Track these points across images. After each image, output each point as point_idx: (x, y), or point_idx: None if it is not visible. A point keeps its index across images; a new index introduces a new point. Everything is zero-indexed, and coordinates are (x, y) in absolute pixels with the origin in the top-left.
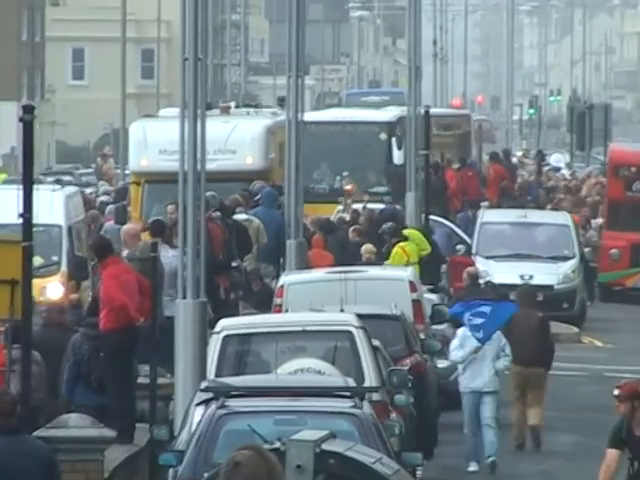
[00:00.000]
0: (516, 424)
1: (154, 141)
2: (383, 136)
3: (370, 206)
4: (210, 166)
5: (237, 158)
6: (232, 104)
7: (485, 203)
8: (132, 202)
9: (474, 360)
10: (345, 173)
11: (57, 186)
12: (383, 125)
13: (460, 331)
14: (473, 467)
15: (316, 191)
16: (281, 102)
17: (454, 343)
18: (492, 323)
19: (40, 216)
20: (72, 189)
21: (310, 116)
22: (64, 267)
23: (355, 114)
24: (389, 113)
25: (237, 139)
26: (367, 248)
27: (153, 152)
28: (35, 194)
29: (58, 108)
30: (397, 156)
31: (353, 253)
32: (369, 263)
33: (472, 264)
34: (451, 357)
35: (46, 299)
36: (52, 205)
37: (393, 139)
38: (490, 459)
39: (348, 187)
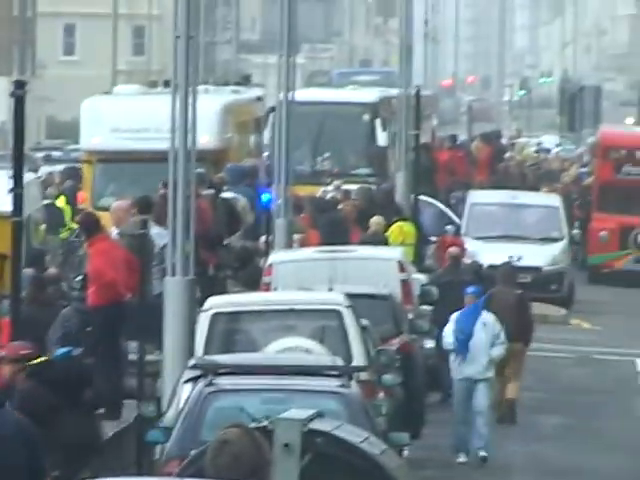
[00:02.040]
0: (495, 399)
1: (107, 119)
2: (366, 117)
3: (351, 187)
4: (162, 145)
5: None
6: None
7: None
8: (84, 182)
9: (469, 346)
10: (327, 154)
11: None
12: (366, 106)
13: (453, 317)
14: (462, 458)
15: (297, 172)
16: (246, 80)
17: (447, 328)
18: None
19: None
20: (29, 176)
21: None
22: None
23: (337, 95)
24: (372, 94)
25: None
26: (376, 219)
27: (106, 130)
28: None
29: (49, 83)
30: (381, 137)
31: (343, 232)
32: (376, 235)
33: (461, 244)
34: (444, 343)
35: None
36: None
37: (377, 120)
38: (481, 453)
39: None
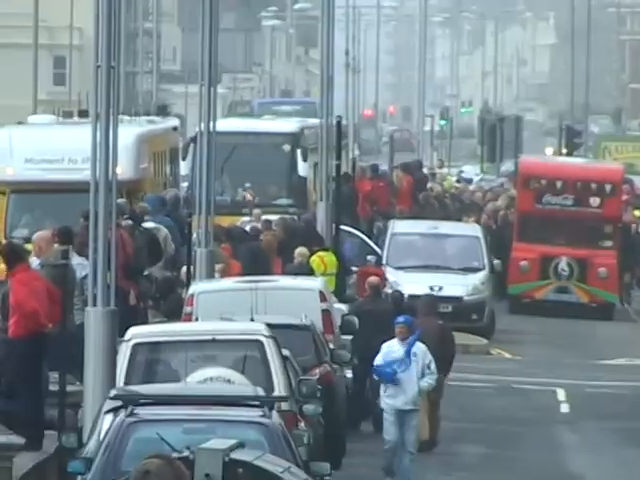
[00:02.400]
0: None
1: (21, 149)
2: (287, 147)
3: (271, 217)
4: (77, 176)
5: None
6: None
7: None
8: None
9: (398, 377)
10: (247, 184)
11: None
12: (286, 136)
13: (385, 346)
14: None
15: (217, 203)
16: (162, 110)
17: (378, 358)
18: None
19: None
20: None
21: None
22: None
23: (258, 124)
24: (292, 124)
25: None
26: (300, 251)
27: (19, 161)
28: None
29: None
30: (302, 168)
31: (265, 262)
32: (301, 266)
33: (382, 274)
34: (375, 372)
35: None
36: None
37: (298, 150)
38: None
39: (249, 196)
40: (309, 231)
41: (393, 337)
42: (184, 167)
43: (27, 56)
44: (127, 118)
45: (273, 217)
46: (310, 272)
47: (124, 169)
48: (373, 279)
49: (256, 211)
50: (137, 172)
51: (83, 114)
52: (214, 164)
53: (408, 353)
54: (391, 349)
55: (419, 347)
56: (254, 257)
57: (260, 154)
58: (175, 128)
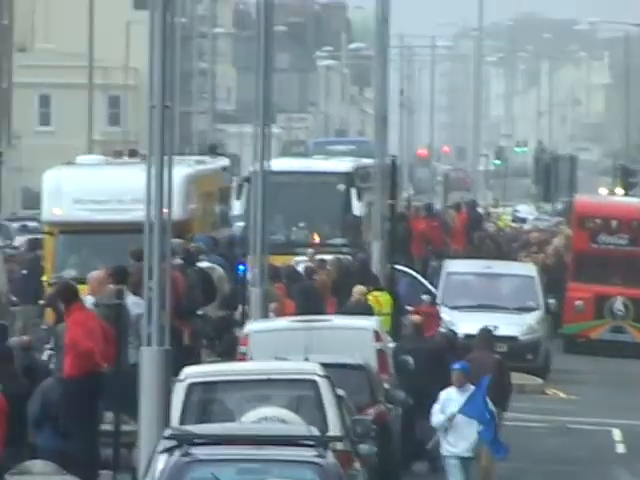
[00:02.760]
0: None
1: (69, 190)
2: (341, 187)
3: (325, 257)
4: (125, 216)
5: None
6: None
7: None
8: (46, 253)
9: (457, 423)
10: (301, 224)
11: None
12: (341, 175)
13: (443, 394)
14: None
15: (272, 242)
16: (212, 150)
17: (436, 407)
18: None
19: None
20: None
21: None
22: None
23: (313, 164)
24: (347, 163)
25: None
26: (359, 289)
27: (67, 201)
28: None
29: (24, 154)
30: (357, 207)
31: (318, 302)
32: (359, 304)
33: (437, 314)
34: (432, 421)
35: None
36: None
37: (352, 190)
38: None
39: (316, 238)
40: (364, 271)
41: (436, 376)
42: (238, 207)
43: (82, 96)
44: (176, 158)
45: (327, 257)
46: (369, 310)
47: (173, 209)
48: (415, 318)
49: (310, 250)
50: (185, 212)
51: (133, 154)
52: (268, 204)
53: (476, 401)
54: (449, 397)
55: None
56: (308, 296)
57: (314, 193)
58: (225, 168)
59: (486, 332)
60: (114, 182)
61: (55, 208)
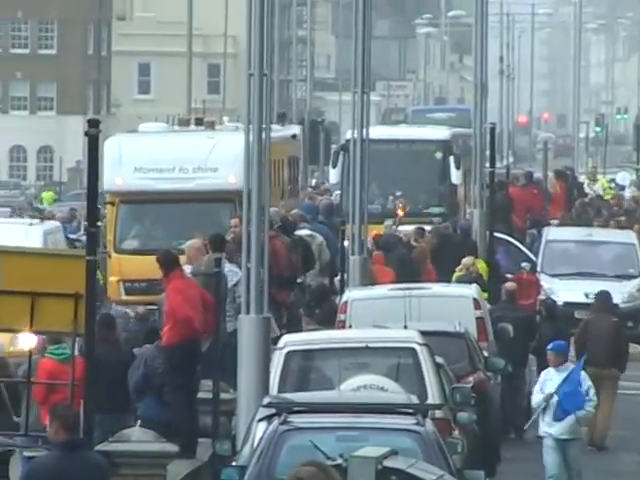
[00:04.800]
0: (589, 424)
1: (130, 158)
2: (438, 154)
3: (425, 226)
4: (188, 185)
5: (219, 177)
6: (225, 119)
7: (555, 221)
8: (107, 223)
9: (553, 404)
10: (398, 193)
11: (35, 220)
12: (438, 143)
13: (543, 374)
14: None
15: (369, 211)
16: (281, 117)
17: (536, 387)
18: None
19: None
20: (52, 224)
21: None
22: None
23: (410, 132)
24: (444, 131)
25: (219, 156)
26: (467, 260)
27: (128, 170)
28: (9, 229)
29: (124, 122)
30: (455, 175)
31: (414, 270)
32: (471, 274)
33: (537, 282)
34: (532, 401)
35: (18, 350)
36: (28, 241)
37: (451, 158)
38: None
39: (400, 212)
40: (465, 239)
41: (527, 345)
42: (334, 176)
43: (181, 65)
44: (242, 126)
45: (426, 227)
46: (480, 280)
47: (238, 178)
48: (509, 285)
49: (387, 222)
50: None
51: (199, 122)
52: (367, 172)
53: (572, 380)
54: (548, 377)
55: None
56: (403, 264)
57: (412, 162)
58: (294, 136)
59: (604, 295)
60: (177, 150)
61: (116, 177)
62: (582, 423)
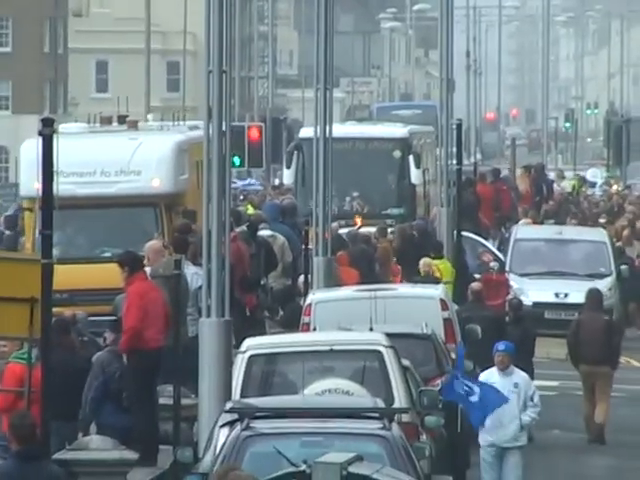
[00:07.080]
0: (586, 421)
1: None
2: (397, 153)
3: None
4: (109, 189)
5: (142, 180)
6: (150, 116)
7: (526, 220)
8: (25, 230)
9: (497, 410)
10: (355, 194)
11: None
12: (397, 141)
13: (483, 375)
14: None
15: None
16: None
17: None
18: (483, 407)
19: None
20: None
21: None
22: None
23: (366, 129)
24: (403, 129)
25: (142, 159)
26: (426, 261)
27: None
28: None
29: (81, 121)
30: (415, 175)
31: (377, 269)
32: (427, 277)
33: (506, 281)
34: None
35: None
36: None
37: (410, 156)
38: None
39: (358, 222)
40: (424, 238)
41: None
42: (288, 176)
43: (140, 62)
44: (169, 125)
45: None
46: (437, 282)
47: (162, 181)
48: (475, 285)
49: (334, 225)
50: (176, 184)
51: (122, 120)
52: (330, 171)
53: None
54: (489, 379)
55: (521, 377)
56: (367, 262)
57: (369, 161)
58: None
59: (595, 293)
60: (98, 153)
61: (34, 182)
62: (526, 429)
